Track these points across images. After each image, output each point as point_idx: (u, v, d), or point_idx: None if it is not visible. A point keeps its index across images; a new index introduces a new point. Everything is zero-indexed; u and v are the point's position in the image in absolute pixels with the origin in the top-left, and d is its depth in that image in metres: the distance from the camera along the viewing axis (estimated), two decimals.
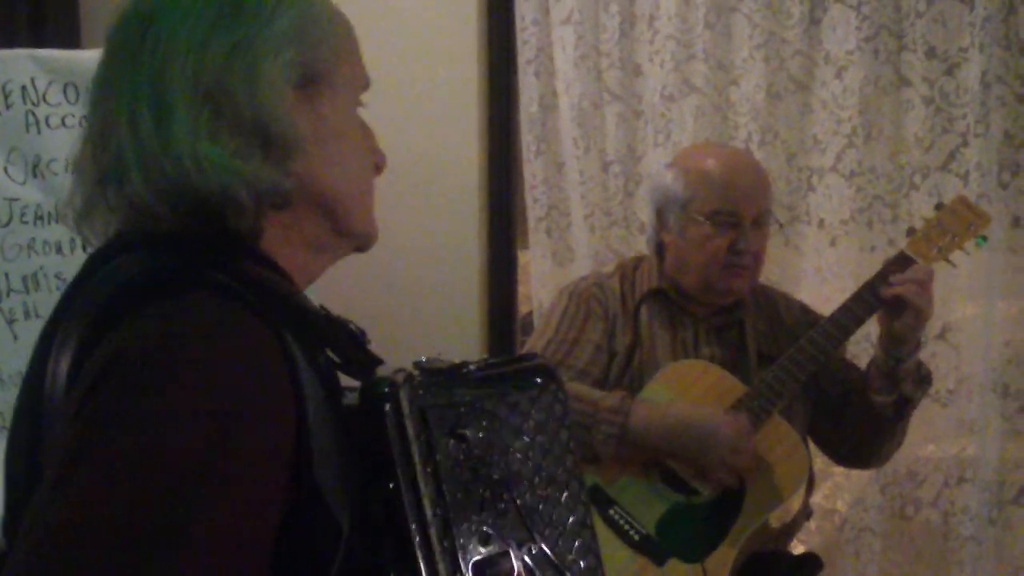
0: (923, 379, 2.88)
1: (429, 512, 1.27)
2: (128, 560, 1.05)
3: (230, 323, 1.20)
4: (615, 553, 2.68)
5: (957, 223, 2.90)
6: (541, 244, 4.14)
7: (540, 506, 1.41)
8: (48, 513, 1.09)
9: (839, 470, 3.64)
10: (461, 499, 1.31)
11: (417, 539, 1.26)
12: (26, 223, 3.33)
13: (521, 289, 4.32)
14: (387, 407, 1.27)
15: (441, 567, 1.27)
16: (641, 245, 3.81)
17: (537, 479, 1.42)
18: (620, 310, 3.00)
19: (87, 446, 1.11)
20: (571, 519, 1.45)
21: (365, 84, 1.52)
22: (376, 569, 1.26)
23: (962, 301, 3.64)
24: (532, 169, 4.12)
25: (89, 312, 1.26)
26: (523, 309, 4.33)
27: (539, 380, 1.47)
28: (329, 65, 1.42)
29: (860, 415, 2.93)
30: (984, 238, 2.95)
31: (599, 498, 2.76)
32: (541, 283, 4.16)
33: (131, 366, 1.15)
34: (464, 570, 1.29)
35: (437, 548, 1.27)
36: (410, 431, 1.27)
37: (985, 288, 3.57)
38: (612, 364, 2.94)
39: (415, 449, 1.27)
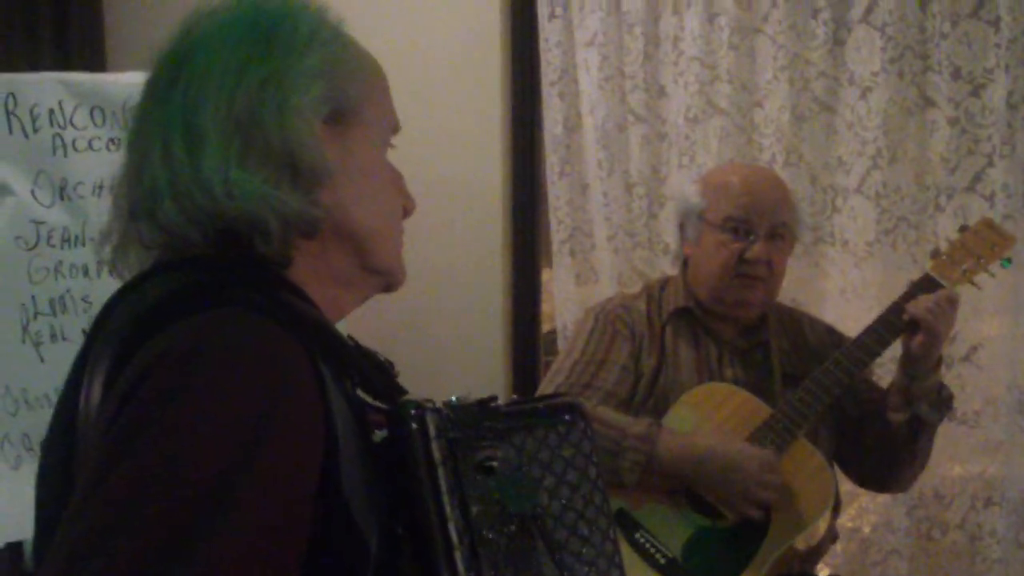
0: (943, 402, 2.87)
1: (455, 537, 1.26)
2: (157, 568, 1.06)
3: (263, 336, 1.21)
4: None
5: (981, 245, 2.89)
6: (565, 265, 4.14)
7: (568, 543, 1.41)
8: (78, 522, 1.10)
9: (865, 493, 3.63)
10: (487, 533, 1.31)
11: (443, 563, 1.26)
12: (53, 246, 3.35)
13: (544, 307, 4.33)
14: (413, 426, 1.28)
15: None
16: (665, 266, 3.82)
17: (565, 515, 1.42)
18: (647, 331, 3.00)
19: (122, 453, 1.12)
20: (600, 557, 1.44)
21: (395, 127, 1.54)
22: None
23: (987, 322, 3.63)
24: (556, 190, 4.13)
25: (122, 330, 1.27)
26: (545, 327, 4.33)
27: (567, 416, 1.47)
28: (359, 103, 1.44)
29: (878, 435, 2.92)
30: (1009, 260, 2.94)
31: (625, 522, 2.75)
32: (564, 301, 4.16)
33: (163, 375, 1.16)
34: None
35: (461, 569, 1.26)
36: (436, 453, 1.28)
37: (1011, 309, 3.56)
38: (638, 385, 2.94)
39: (441, 473, 1.27)
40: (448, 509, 1.27)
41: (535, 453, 1.41)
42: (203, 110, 1.33)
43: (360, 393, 1.36)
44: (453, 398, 1.37)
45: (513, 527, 1.34)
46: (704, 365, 2.98)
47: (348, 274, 1.46)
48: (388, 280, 1.52)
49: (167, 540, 1.07)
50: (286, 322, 1.24)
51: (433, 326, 4.22)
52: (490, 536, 1.31)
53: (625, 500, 2.77)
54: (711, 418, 2.84)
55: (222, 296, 1.26)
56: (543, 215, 4.22)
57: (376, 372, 1.40)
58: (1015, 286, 3.54)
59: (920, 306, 2.77)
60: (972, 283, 2.89)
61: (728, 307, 2.98)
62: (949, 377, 3.57)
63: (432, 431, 1.28)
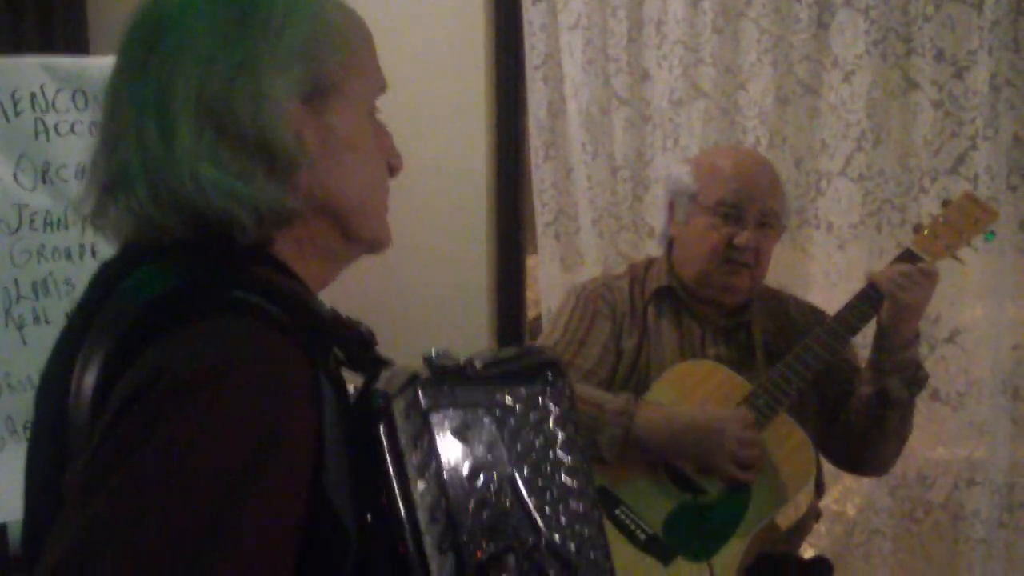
0: (916, 380, 2.85)
1: (424, 522, 1.26)
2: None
3: (261, 349, 1.20)
4: (622, 553, 2.68)
5: (964, 219, 2.89)
6: (549, 248, 4.14)
7: (546, 504, 1.39)
8: (70, 530, 1.10)
9: (848, 475, 3.63)
10: (463, 500, 1.30)
11: (414, 548, 1.26)
12: (35, 229, 3.35)
13: (529, 293, 4.32)
14: (380, 421, 1.27)
15: (434, 565, 1.26)
16: (650, 249, 3.82)
17: (542, 478, 1.40)
18: (628, 310, 3.00)
19: (117, 467, 1.12)
20: (578, 514, 1.42)
21: (381, 87, 1.51)
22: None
23: (971, 304, 3.64)
24: (540, 174, 4.13)
25: (115, 330, 1.26)
26: (531, 313, 4.33)
27: (546, 375, 1.45)
28: (340, 76, 1.42)
29: (850, 413, 2.92)
30: (992, 234, 2.94)
31: (605, 498, 2.75)
32: (549, 287, 4.15)
33: (166, 391, 1.15)
34: (469, 569, 1.29)
35: (431, 552, 1.26)
36: (403, 443, 1.27)
37: (994, 291, 3.56)
38: (619, 364, 2.95)
39: (409, 460, 1.27)
40: (418, 498, 1.26)
41: (510, 416, 1.39)
42: (174, 96, 1.31)
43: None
44: (432, 352, 1.36)
45: (489, 493, 1.33)
46: (687, 343, 2.98)
47: (332, 248, 1.45)
48: (373, 247, 1.51)
49: (165, 563, 1.07)
50: (282, 319, 1.23)
51: (417, 311, 4.22)
52: (465, 503, 1.31)
53: (605, 476, 2.77)
54: (692, 395, 2.84)
55: (215, 300, 1.24)
56: (527, 199, 4.21)
57: (358, 344, 1.39)
58: (999, 270, 3.54)
59: (885, 275, 2.78)
60: (955, 257, 2.89)
61: (714, 291, 2.98)
62: (932, 359, 3.58)
63: (400, 421, 1.28)
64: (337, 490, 1.21)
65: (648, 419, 2.75)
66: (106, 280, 1.34)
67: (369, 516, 1.26)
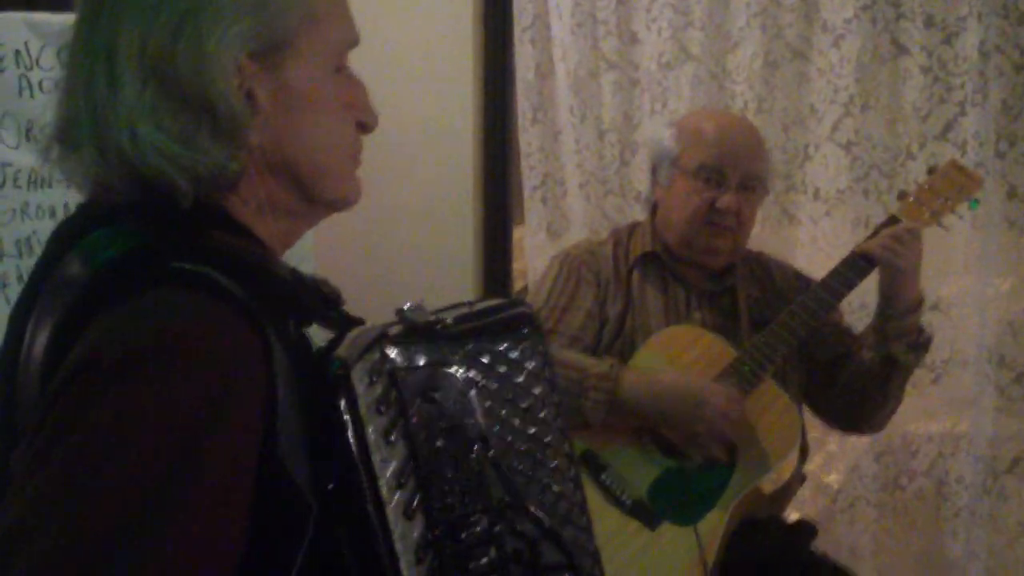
0: (920, 345, 2.88)
1: (385, 491, 1.23)
2: (93, 555, 1.05)
3: (200, 322, 1.16)
4: (607, 518, 2.68)
5: (949, 186, 2.89)
6: (536, 213, 4.12)
7: (519, 464, 1.38)
8: (9, 509, 1.08)
9: (833, 440, 3.64)
10: (434, 462, 1.29)
11: (375, 516, 1.23)
12: (19, 187, 3.32)
13: (516, 265, 4.30)
14: (340, 391, 1.24)
15: (399, 543, 1.24)
16: (636, 213, 3.81)
17: (515, 436, 1.39)
18: (612, 276, 3.00)
19: (56, 445, 1.10)
20: (553, 474, 1.42)
21: (351, 41, 1.44)
22: (336, 550, 1.24)
23: (956, 280, 3.63)
24: (528, 137, 4.11)
25: (61, 302, 1.23)
26: (518, 285, 4.31)
27: (523, 330, 1.43)
28: (297, 30, 1.35)
29: (849, 376, 2.94)
30: (977, 201, 2.95)
31: (591, 464, 2.75)
32: (536, 256, 4.13)
33: (102, 370, 1.12)
34: (439, 531, 1.27)
35: (392, 520, 1.24)
36: (364, 411, 1.24)
37: (979, 267, 3.56)
38: (604, 330, 2.95)
39: (370, 429, 1.24)
40: (379, 466, 1.24)
41: (480, 379, 1.37)
42: (120, 45, 1.26)
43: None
44: (406, 306, 1.34)
45: (461, 454, 1.32)
46: (671, 309, 2.98)
47: (293, 207, 1.40)
48: (339, 206, 1.46)
49: (102, 540, 1.06)
50: (228, 287, 1.19)
51: (403, 279, 4.19)
52: (435, 464, 1.29)
53: (591, 442, 2.77)
54: (678, 360, 2.84)
55: (162, 272, 1.20)
56: (515, 163, 4.19)
57: (323, 305, 1.37)
58: (983, 244, 3.54)
59: (873, 243, 2.78)
60: (940, 224, 2.89)
61: (696, 254, 2.98)
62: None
63: (360, 389, 1.24)
64: (294, 458, 1.18)
65: (631, 384, 2.75)
66: (59, 242, 1.31)
67: (331, 485, 1.23)
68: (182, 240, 1.26)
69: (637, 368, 2.81)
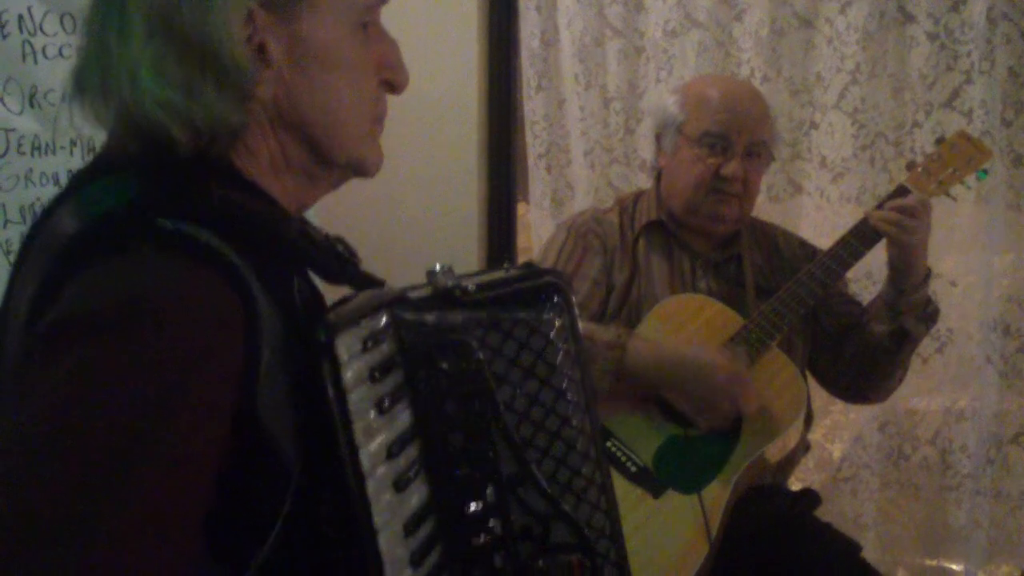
0: (929, 316, 2.87)
1: (366, 464, 1.20)
2: (58, 513, 1.04)
3: (174, 285, 1.14)
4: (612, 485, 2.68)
5: (958, 157, 2.88)
6: (540, 181, 4.12)
7: (534, 437, 1.35)
8: None
9: (838, 409, 3.64)
10: (442, 433, 1.27)
11: (355, 487, 1.20)
12: (23, 154, 3.31)
13: (521, 240, 4.28)
14: (323, 361, 1.19)
15: (377, 517, 1.20)
16: (641, 182, 3.80)
17: (531, 408, 1.35)
18: (618, 244, 2.99)
19: (20, 402, 1.10)
20: (570, 451, 1.38)
21: None
22: (313, 517, 1.21)
23: (959, 258, 3.63)
24: (532, 105, 4.10)
25: (52, 250, 1.22)
26: (522, 260, 4.29)
27: (550, 300, 1.39)
28: None
29: (859, 347, 2.93)
30: (985, 172, 2.93)
31: None
32: (541, 225, 4.12)
33: (71, 331, 1.12)
34: (442, 503, 1.26)
35: (373, 493, 1.20)
36: (347, 381, 1.19)
37: (983, 244, 3.57)
38: (610, 298, 2.94)
39: (351, 399, 1.19)
40: (360, 438, 1.19)
41: (499, 347, 1.33)
42: None
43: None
44: (437, 266, 1.32)
45: (470, 425, 1.29)
46: (677, 277, 2.97)
47: (308, 167, 1.38)
48: (356, 169, 1.43)
49: (51, 499, 1.05)
50: (214, 248, 1.17)
51: (407, 250, 4.18)
52: (444, 435, 1.27)
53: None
54: (683, 328, 2.83)
55: (142, 230, 1.17)
56: (519, 131, 4.18)
57: (336, 262, 1.36)
58: (988, 221, 3.54)
59: (880, 216, 2.77)
60: (948, 195, 2.88)
61: (702, 221, 2.97)
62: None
63: (344, 356, 1.19)
64: (279, 423, 1.17)
65: (638, 353, 2.74)
66: (67, 190, 1.30)
67: (315, 454, 1.20)
68: (177, 195, 1.23)
69: (644, 337, 2.80)
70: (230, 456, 1.15)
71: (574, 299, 2.75)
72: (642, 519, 2.66)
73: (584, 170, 4.02)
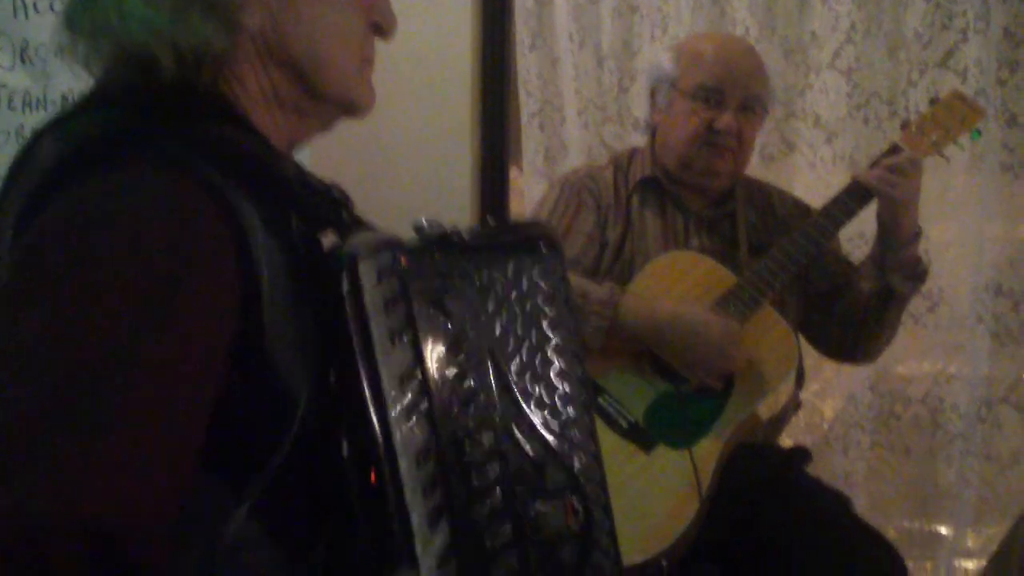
0: (917, 276, 2.88)
1: (387, 386, 1.22)
2: (59, 400, 1.05)
3: (168, 195, 1.16)
4: (603, 440, 2.62)
5: (951, 117, 2.88)
6: (534, 140, 4.10)
7: (530, 380, 1.37)
8: None
9: (829, 368, 3.64)
10: (441, 372, 1.28)
11: (375, 411, 1.22)
12: (14, 109, 3.30)
13: (513, 206, 4.26)
14: (344, 279, 1.22)
15: (399, 441, 1.22)
16: (635, 141, 3.79)
17: (526, 353, 1.37)
18: (612, 200, 2.99)
19: (17, 313, 1.09)
20: (564, 395, 1.40)
21: None
22: (330, 438, 1.23)
23: (950, 225, 3.64)
24: (526, 64, 4.07)
25: (37, 174, 1.22)
26: None
27: (535, 249, 1.41)
28: None
29: (847, 306, 2.94)
30: (978, 132, 2.94)
31: None
32: (534, 189, 4.11)
33: (64, 239, 1.13)
34: (443, 441, 1.26)
35: (394, 418, 1.23)
36: (369, 305, 1.22)
37: (974, 211, 3.58)
38: (603, 254, 2.94)
39: (374, 324, 1.22)
40: (381, 360, 1.22)
41: (497, 288, 1.35)
42: None
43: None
44: (423, 220, 1.33)
45: (469, 366, 1.31)
46: (670, 234, 2.98)
47: (299, 103, 1.38)
48: (347, 107, 1.44)
49: (63, 398, 1.05)
50: (203, 171, 1.18)
51: (399, 210, 4.14)
52: (441, 374, 1.28)
53: (588, 365, 2.76)
54: (677, 285, 2.84)
55: (133, 149, 1.19)
56: (512, 89, 4.16)
57: (329, 206, 1.36)
58: (980, 188, 3.55)
59: (871, 174, 2.78)
60: (941, 155, 2.88)
61: (696, 175, 2.97)
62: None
63: (366, 281, 1.23)
64: (283, 351, 1.18)
65: (631, 311, 2.75)
66: (46, 128, 1.30)
67: (332, 379, 1.22)
68: (166, 122, 1.24)
69: (637, 294, 2.81)
70: (235, 380, 1.16)
71: (568, 254, 2.79)
72: (633, 474, 2.67)
73: (577, 129, 4.01)
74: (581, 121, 4.00)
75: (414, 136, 4.09)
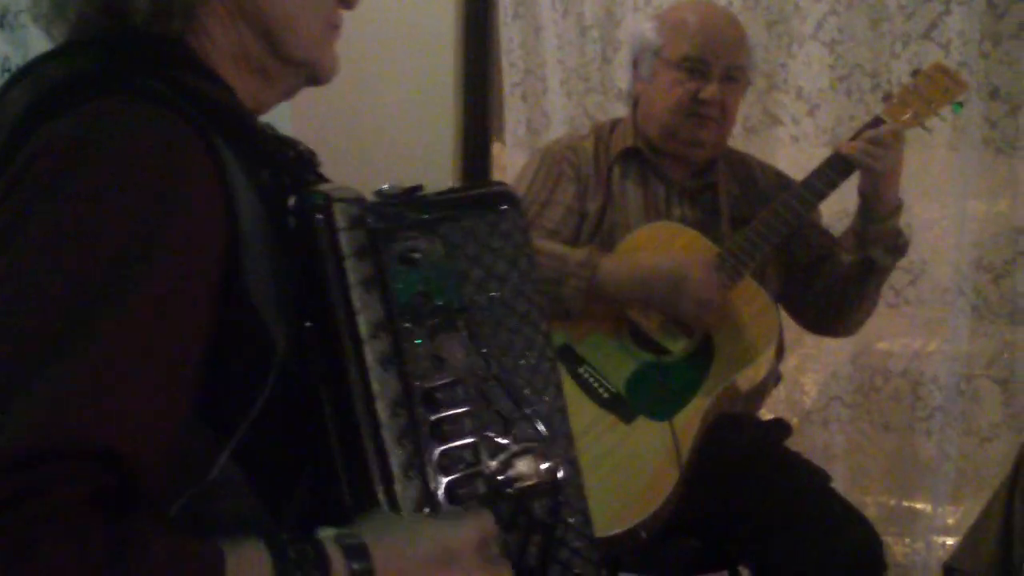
0: (897, 248, 2.88)
1: (364, 330, 1.23)
2: (49, 328, 1.04)
3: (152, 126, 1.15)
4: (584, 411, 2.69)
5: (934, 89, 2.88)
6: (516, 110, 4.08)
7: (498, 335, 1.37)
8: None
9: (809, 340, 3.65)
10: (410, 327, 1.28)
11: (351, 358, 1.23)
12: None
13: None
14: (318, 217, 1.23)
15: (376, 385, 1.23)
16: (618, 111, 3.78)
17: (494, 308, 1.38)
18: (593, 171, 2.99)
19: (4, 244, 1.08)
20: (530, 351, 1.40)
21: None
22: (308, 387, 1.23)
23: (932, 205, 3.64)
24: (509, 33, 4.05)
25: (7, 123, 1.21)
26: None
27: (498, 205, 1.41)
28: None
29: (828, 279, 2.94)
30: (960, 104, 2.94)
31: (568, 357, 2.76)
32: (516, 162, 4.08)
33: (49, 166, 1.11)
34: (414, 397, 1.27)
35: (371, 363, 1.23)
36: (344, 246, 1.23)
37: (956, 191, 3.58)
38: (583, 225, 2.94)
39: (349, 266, 1.23)
40: (357, 303, 1.23)
41: (462, 244, 1.35)
42: None
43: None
44: (384, 186, 1.33)
45: (437, 320, 1.31)
46: (651, 205, 2.98)
47: (262, 62, 1.37)
48: (311, 72, 1.42)
49: (53, 326, 1.04)
50: (184, 108, 1.18)
51: (382, 176, 4.14)
52: (413, 329, 1.28)
53: (569, 335, 2.78)
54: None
55: (115, 83, 1.19)
56: (495, 58, 4.14)
57: (295, 161, 1.36)
58: (961, 162, 3.54)
59: (853, 146, 2.78)
60: (923, 127, 2.88)
61: (680, 146, 2.97)
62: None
63: (341, 223, 1.23)
64: (261, 294, 1.18)
65: (611, 267, 2.76)
66: (18, 75, 1.29)
67: (308, 323, 1.22)
68: (139, 67, 1.23)
69: (614, 254, 2.82)
70: (217, 323, 1.15)
71: (548, 225, 2.80)
72: (613, 445, 2.68)
73: (560, 99, 3.99)
74: (564, 91, 3.99)
75: (396, 108, 4.08)
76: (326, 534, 1.15)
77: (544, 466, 1.37)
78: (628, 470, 2.66)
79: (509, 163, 4.12)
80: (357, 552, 1.14)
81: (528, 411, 1.38)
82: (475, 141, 4.14)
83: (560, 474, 1.39)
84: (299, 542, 1.13)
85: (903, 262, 3.40)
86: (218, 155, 1.17)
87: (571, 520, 1.41)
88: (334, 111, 3.52)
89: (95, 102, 1.16)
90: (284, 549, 1.11)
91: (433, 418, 1.28)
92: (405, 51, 4.08)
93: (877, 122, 2.83)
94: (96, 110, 1.15)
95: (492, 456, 1.33)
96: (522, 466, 1.36)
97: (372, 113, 4.01)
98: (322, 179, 1.35)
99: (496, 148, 4.22)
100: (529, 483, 1.36)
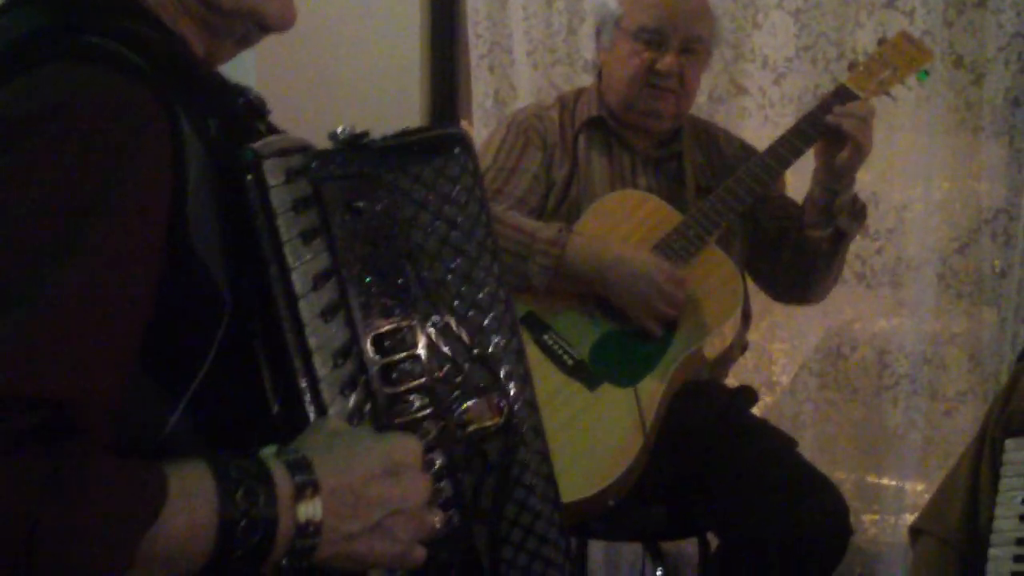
0: (858, 212, 2.91)
1: (299, 285, 1.22)
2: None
3: (101, 93, 1.14)
4: (548, 378, 2.69)
5: (899, 58, 2.90)
6: (483, 81, 4.07)
7: (448, 279, 1.37)
8: None
9: (777, 308, 3.65)
10: (358, 275, 1.28)
11: (284, 313, 1.22)
12: None
13: None
14: (248, 178, 1.21)
15: (312, 340, 1.23)
16: (584, 82, 3.77)
17: (443, 253, 1.37)
18: (559, 140, 2.99)
19: None
20: (482, 294, 1.40)
21: None
22: (247, 345, 1.22)
23: (901, 188, 3.64)
24: (475, 4, 4.03)
25: None
26: None
27: (448, 149, 1.39)
28: None
29: (796, 250, 2.95)
30: (926, 73, 2.96)
31: (533, 324, 2.77)
32: (484, 127, 4.08)
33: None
34: (363, 343, 1.27)
35: (309, 317, 1.23)
36: (276, 203, 1.22)
37: (925, 173, 3.57)
38: (550, 194, 2.94)
39: (282, 221, 1.22)
40: (292, 259, 1.22)
41: (408, 189, 1.34)
42: None
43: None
44: (338, 129, 1.32)
45: (387, 267, 1.31)
46: (617, 174, 2.98)
47: (199, 12, 1.33)
48: (257, 20, 1.37)
49: (2, 276, 1.05)
50: (132, 62, 1.17)
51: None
52: (360, 278, 1.28)
53: (534, 303, 2.78)
54: (623, 224, 2.85)
55: (58, 47, 1.18)
56: (461, 30, 4.13)
57: (244, 109, 1.35)
58: (930, 149, 3.55)
59: (843, 116, 2.77)
60: (888, 95, 2.91)
61: (638, 116, 2.98)
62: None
63: (272, 180, 1.22)
64: (207, 247, 1.18)
65: (578, 252, 2.76)
66: None
67: (246, 282, 1.22)
68: (86, 19, 1.22)
69: (585, 235, 2.81)
70: (165, 279, 1.15)
71: (515, 193, 2.79)
72: (577, 411, 2.68)
73: (527, 70, 3.98)
74: (530, 62, 3.98)
75: (362, 78, 4.06)
76: (268, 451, 1.16)
77: (497, 407, 1.38)
78: (593, 436, 2.66)
79: (476, 133, 4.10)
80: (300, 466, 1.14)
81: (480, 352, 1.38)
82: (442, 111, 4.14)
83: (514, 416, 1.39)
84: (241, 459, 1.13)
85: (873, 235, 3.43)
86: (171, 108, 1.16)
87: (528, 462, 1.41)
88: (301, 85, 3.51)
89: (40, 67, 1.15)
90: (226, 466, 1.11)
91: (383, 362, 1.28)
92: (371, 23, 4.07)
93: (843, 90, 2.84)
94: (40, 78, 1.15)
95: (444, 399, 1.33)
96: (475, 408, 1.36)
97: (338, 85, 3.99)
98: (272, 129, 1.35)
99: (463, 125, 4.20)
100: (482, 425, 1.36)
